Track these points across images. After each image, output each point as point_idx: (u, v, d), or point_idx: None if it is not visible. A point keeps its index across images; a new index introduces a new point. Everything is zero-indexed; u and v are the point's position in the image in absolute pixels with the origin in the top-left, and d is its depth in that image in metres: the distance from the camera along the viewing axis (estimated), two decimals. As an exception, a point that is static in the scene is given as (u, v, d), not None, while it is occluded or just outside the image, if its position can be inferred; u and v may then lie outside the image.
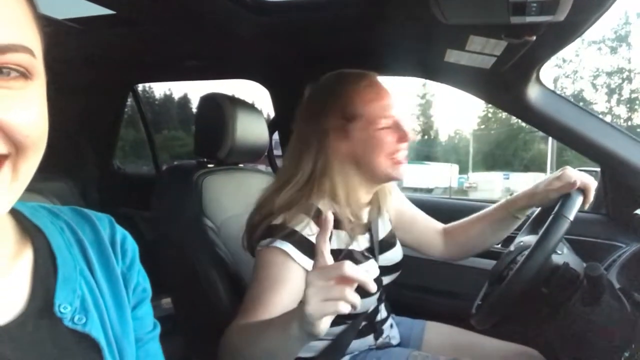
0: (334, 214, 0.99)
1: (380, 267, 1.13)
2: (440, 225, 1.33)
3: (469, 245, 1.28)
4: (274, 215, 0.98)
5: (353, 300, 0.63)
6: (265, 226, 0.98)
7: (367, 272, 0.91)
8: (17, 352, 0.42)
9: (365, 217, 1.14)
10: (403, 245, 1.28)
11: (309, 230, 0.95)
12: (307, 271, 0.89)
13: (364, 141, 1.03)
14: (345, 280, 0.63)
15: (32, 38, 0.41)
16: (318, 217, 0.94)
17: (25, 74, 0.39)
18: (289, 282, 0.91)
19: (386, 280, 1.19)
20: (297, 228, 0.94)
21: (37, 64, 0.41)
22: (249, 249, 1.05)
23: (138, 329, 0.56)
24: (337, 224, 1.00)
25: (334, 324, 1.05)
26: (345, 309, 0.63)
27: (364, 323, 1.14)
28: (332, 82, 1.08)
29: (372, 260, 1.09)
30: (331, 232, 0.97)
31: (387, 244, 1.19)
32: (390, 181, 1.13)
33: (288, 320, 0.72)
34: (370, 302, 1.09)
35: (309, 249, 0.92)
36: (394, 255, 1.20)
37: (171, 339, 0.73)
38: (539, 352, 1.20)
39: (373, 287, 0.63)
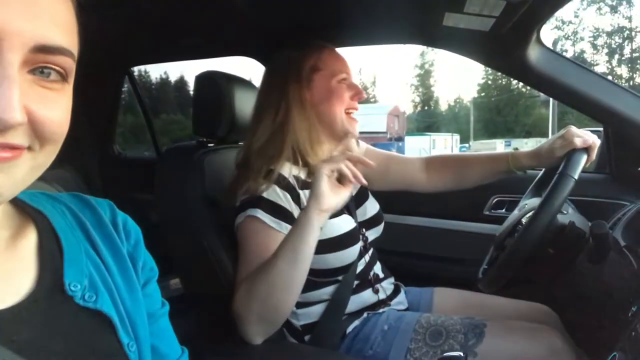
0: (295, 176, 1.09)
1: (359, 222, 1.20)
2: (420, 159, 1.38)
3: (454, 181, 1.34)
4: (241, 185, 1.07)
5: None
6: (238, 201, 1.06)
7: (342, 225, 1.09)
8: (31, 330, 0.42)
9: None
10: (390, 189, 1.38)
11: (275, 195, 1.03)
12: (281, 233, 1.00)
13: (324, 90, 1.16)
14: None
15: (75, 43, 0.43)
16: (281, 183, 1.05)
17: (64, 77, 0.41)
18: (272, 247, 0.97)
19: (370, 235, 1.25)
20: (265, 195, 1.03)
21: (73, 68, 0.43)
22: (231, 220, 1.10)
23: (149, 305, 0.57)
24: (305, 185, 1.09)
25: (325, 284, 1.11)
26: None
27: (357, 282, 1.17)
28: (300, 48, 1.20)
29: (345, 215, 1.14)
30: (299, 194, 1.07)
31: (359, 198, 1.27)
32: (346, 137, 1.22)
33: (301, 222, 0.91)
34: (354, 252, 1.11)
35: (278, 211, 1.03)
36: (368, 208, 1.27)
37: (181, 319, 0.74)
38: (549, 308, 1.21)
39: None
